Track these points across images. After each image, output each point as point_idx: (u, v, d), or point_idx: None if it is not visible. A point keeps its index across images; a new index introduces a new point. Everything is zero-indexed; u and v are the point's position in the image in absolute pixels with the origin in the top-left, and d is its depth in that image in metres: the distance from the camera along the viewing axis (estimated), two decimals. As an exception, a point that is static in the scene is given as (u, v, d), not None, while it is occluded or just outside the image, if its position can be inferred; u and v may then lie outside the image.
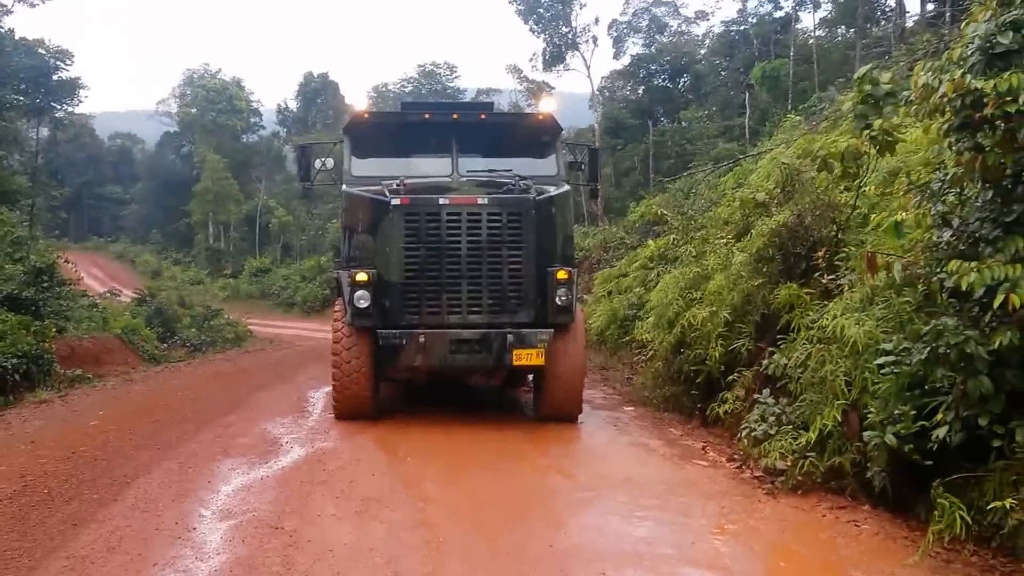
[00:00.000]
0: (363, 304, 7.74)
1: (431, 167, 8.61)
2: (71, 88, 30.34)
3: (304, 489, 5.59)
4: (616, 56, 43.96)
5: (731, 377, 7.78)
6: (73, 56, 28.98)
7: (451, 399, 9.56)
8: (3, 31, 28.04)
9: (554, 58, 40.34)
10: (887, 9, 33.57)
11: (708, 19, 42.62)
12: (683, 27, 43.72)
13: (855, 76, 6.11)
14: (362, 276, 7.78)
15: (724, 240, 9.82)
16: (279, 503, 5.24)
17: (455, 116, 8.88)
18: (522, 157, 8.91)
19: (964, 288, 4.00)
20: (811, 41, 33.94)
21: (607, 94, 44.97)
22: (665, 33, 43.35)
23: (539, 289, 7.92)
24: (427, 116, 9.02)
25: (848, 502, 5.25)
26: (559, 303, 7.86)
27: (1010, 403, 4.24)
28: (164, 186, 59.31)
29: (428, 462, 6.58)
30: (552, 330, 7.84)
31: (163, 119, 64.00)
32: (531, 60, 41.67)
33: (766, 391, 6.61)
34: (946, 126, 4.16)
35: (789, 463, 5.68)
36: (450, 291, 7.82)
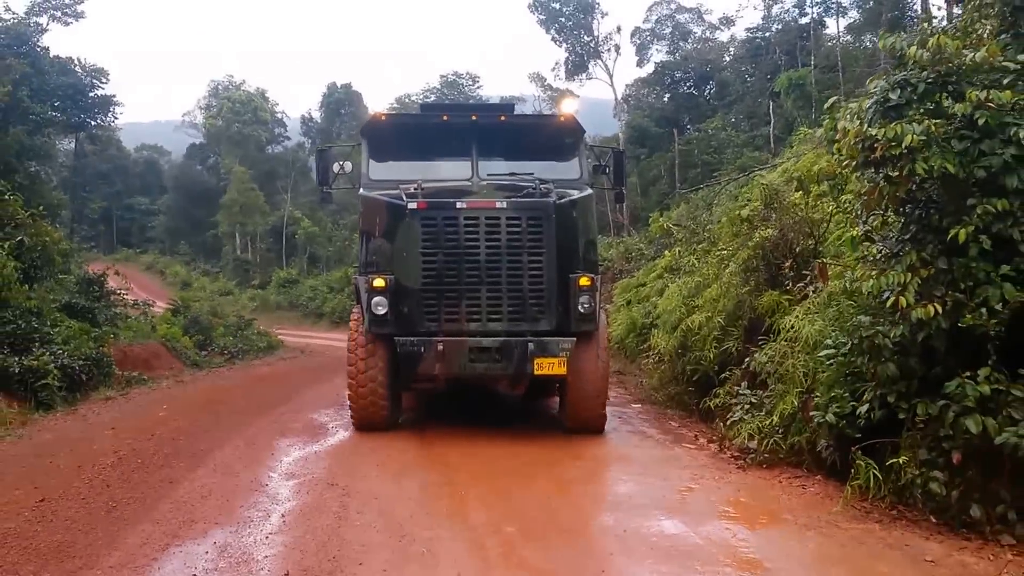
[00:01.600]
0: (381, 311, 7.77)
1: (451, 170, 8.60)
2: (105, 105, 32.38)
3: (351, 459, 7.03)
4: (640, 64, 45.29)
5: (723, 375, 9.03)
6: (108, 74, 31.02)
7: (475, 410, 9.89)
8: (40, 50, 30.25)
9: (576, 67, 41.75)
10: (913, 15, 34.45)
11: (733, 25, 43.63)
12: (707, 33, 44.84)
13: (825, 106, 7.37)
14: (379, 282, 7.81)
15: (724, 251, 11.09)
16: (331, 468, 6.67)
17: (474, 118, 8.87)
18: (544, 160, 8.87)
19: (865, 292, 5.28)
20: (837, 48, 34.85)
21: (632, 102, 46.28)
22: (689, 40, 44.53)
23: (561, 296, 7.89)
24: (446, 118, 9.01)
25: (804, 473, 6.50)
26: (581, 311, 7.86)
27: (920, 384, 5.48)
28: (191, 197, 61.49)
29: (452, 444, 7.92)
30: (574, 339, 7.80)
31: (189, 131, 66.51)
32: (553, 69, 43.11)
33: (744, 384, 7.90)
34: (853, 163, 5.45)
35: (756, 442, 6.96)
36: (469, 298, 7.81)
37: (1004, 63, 5.25)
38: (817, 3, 37.31)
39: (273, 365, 19.31)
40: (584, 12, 40.98)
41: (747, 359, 8.23)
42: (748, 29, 42.37)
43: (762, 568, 4.39)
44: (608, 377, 8.44)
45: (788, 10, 38.50)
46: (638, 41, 44.60)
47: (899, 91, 5.29)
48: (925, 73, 5.29)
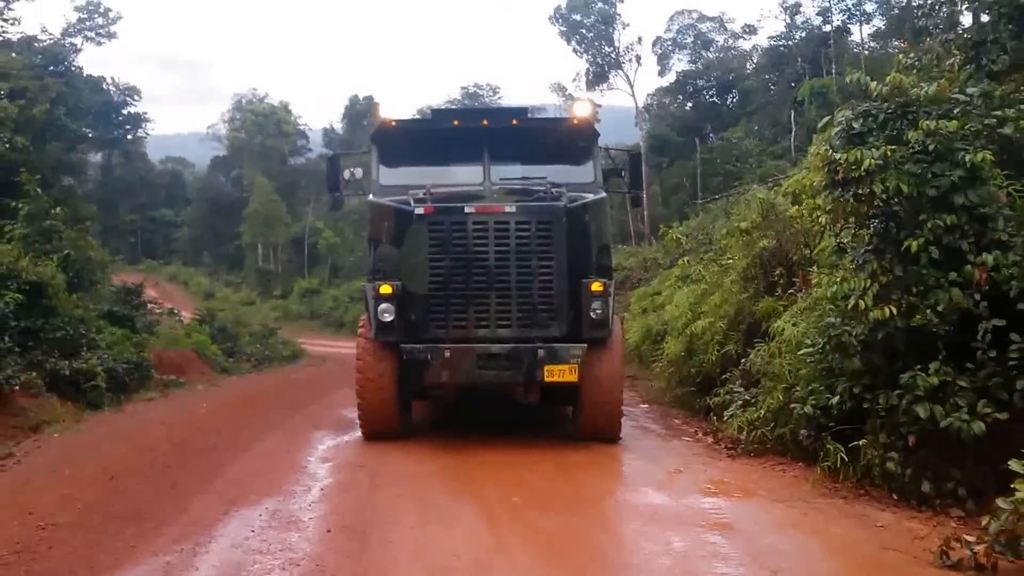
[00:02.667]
0: (387, 318, 7.81)
1: (462, 176, 8.66)
2: (137, 121, 33.91)
3: (377, 447, 7.98)
4: (661, 73, 46.27)
5: (724, 376, 9.86)
6: (140, 92, 32.53)
7: (490, 415, 10.12)
8: (74, 69, 31.84)
9: (597, 77, 42.78)
10: (939, 23, 34.93)
11: (755, 34, 44.42)
12: (730, 42, 45.68)
13: (819, 126, 8.21)
14: (386, 288, 7.83)
15: (730, 260, 11.94)
16: (361, 454, 7.66)
17: (485, 123, 8.93)
18: (557, 164, 8.88)
19: (829, 296, 6.13)
20: (861, 56, 35.48)
21: (654, 111, 47.18)
22: (711, 49, 45.37)
23: (572, 302, 7.89)
24: (457, 123, 9.09)
25: (787, 460, 7.32)
26: (593, 317, 7.84)
27: (882, 377, 6.30)
28: (214, 209, 63.16)
29: (468, 437, 8.80)
30: (585, 345, 7.79)
31: (213, 143, 68.39)
32: (574, 80, 44.16)
33: (739, 383, 8.74)
34: (823, 184, 6.30)
35: (745, 434, 7.80)
36: (477, 304, 7.85)
37: (954, 96, 6.10)
38: (841, 11, 38.04)
39: (299, 371, 20.40)
40: (605, 23, 42.02)
41: (743, 360, 9.06)
42: (771, 37, 43.17)
43: (729, 529, 5.25)
44: (623, 385, 8.39)
45: (811, 18, 39.22)
46: (659, 51, 45.63)
47: (862, 120, 6.16)
48: (886, 105, 6.16)
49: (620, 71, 43.29)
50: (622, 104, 47.74)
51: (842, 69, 34.10)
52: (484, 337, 7.85)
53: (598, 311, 7.88)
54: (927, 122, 5.84)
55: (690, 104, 45.30)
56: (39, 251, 14.75)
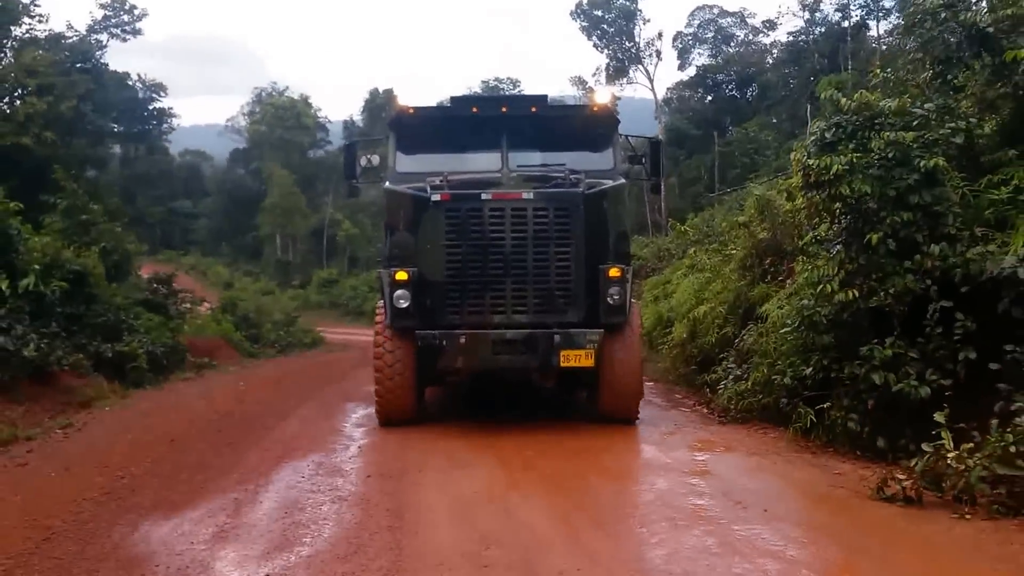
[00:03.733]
0: (403, 304, 7.93)
1: (481, 163, 8.74)
2: (162, 116, 35.28)
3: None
4: (681, 67, 47.07)
5: (722, 355, 10.87)
6: (166, 88, 33.87)
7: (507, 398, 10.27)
8: (101, 66, 33.20)
9: (617, 72, 43.70)
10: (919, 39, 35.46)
11: (775, 28, 45.14)
12: (750, 37, 46.36)
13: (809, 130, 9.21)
14: (402, 275, 7.94)
15: (733, 251, 12.95)
16: (391, 421, 8.73)
17: (504, 109, 9.09)
18: (577, 151, 8.95)
19: (802, 281, 7.15)
20: (878, 52, 36.12)
21: (674, 104, 48.02)
22: (732, 44, 46.09)
23: (589, 288, 8.00)
24: (475, 110, 9.14)
25: (770, 426, 8.32)
26: (610, 302, 7.94)
27: (847, 351, 7.30)
28: (233, 201, 64.58)
29: (484, 414, 9.90)
30: (602, 331, 7.91)
31: (232, 136, 69.86)
32: (595, 74, 45.07)
33: (733, 360, 9.77)
34: (799, 185, 7.32)
35: (734, 403, 8.83)
36: (494, 290, 7.97)
37: (913, 109, 7.09)
38: (860, 6, 38.71)
39: (324, 355, 21.65)
40: (626, 19, 42.92)
41: (737, 340, 10.08)
42: (790, 33, 43.83)
43: (707, 474, 6.32)
44: (641, 369, 8.57)
45: (830, 14, 39.90)
46: (680, 45, 46.41)
47: (833, 131, 7.18)
48: (854, 117, 7.16)
49: (640, 66, 44.25)
50: (642, 97, 48.62)
51: (859, 65, 34.80)
52: (500, 323, 7.98)
53: (615, 296, 7.99)
54: (888, 133, 6.85)
55: (710, 97, 46.07)
56: (78, 243, 15.92)
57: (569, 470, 6.51)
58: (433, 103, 9.04)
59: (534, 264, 8.00)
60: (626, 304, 8.12)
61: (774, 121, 39.37)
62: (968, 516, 5.22)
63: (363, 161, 9.48)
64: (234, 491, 6.09)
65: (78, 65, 31.42)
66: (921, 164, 6.75)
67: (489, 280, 8.00)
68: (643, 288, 21.40)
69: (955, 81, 7.90)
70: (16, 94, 29.39)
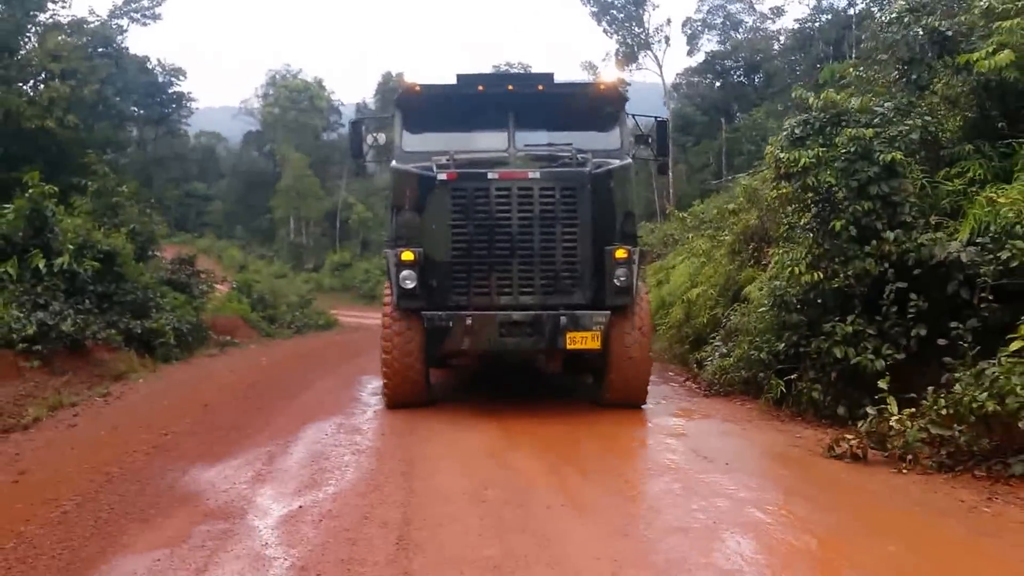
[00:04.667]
0: (409, 284, 7.92)
1: (487, 142, 8.73)
2: (181, 100, 36.16)
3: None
4: (690, 53, 47.51)
5: (712, 335, 11.68)
6: (186, 73, 34.74)
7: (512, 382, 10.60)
8: (123, 50, 34.08)
9: (627, 57, 44.17)
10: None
11: (783, 15, 45.49)
12: (758, 23, 46.73)
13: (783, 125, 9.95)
14: (408, 255, 7.93)
15: (726, 236, 13.71)
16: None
17: (511, 88, 9.13)
18: (584, 130, 8.95)
19: (773, 265, 7.93)
20: (879, 39, 36.47)
21: (683, 90, 48.49)
22: (740, 30, 46.48)
23: (596, 269, 7.99)
24: (481, 88, 8.95)
25: (749, 398, 9.15)
26: (617, 284, 7.92)
27: (814, 328, 8.09)
28: (247, 183, 65.33)
29: (491, 377, 10.74)
30: (609, 312, 7.91)
31: (246, 118, 70.62)
32: (604, 60, 45.60)
33: (719, 338, 10.58)
34: (773, 177, 8.09)
35: (718, 377, 9.65)
36: (500, 271, 7.98)
37: (874, 108, 7.84)
38: (866, -9, 38.94)
39: (339, 335, 22.58)
40: (636, 4, 43.37)
41: (725, 320, 10.88)
42: (797, 19, 44.17)
43: (683, 435, 7.16)
44: (649, 352, 8.54)
45: (836, 1, 40.21)
46: (689, 31, 46.84)
47: (802, 127, 7.94)
48: (822, 115, 7.92)
49: (649, 51, 44.72)
50: (653, 82, 49.11)
51: (864, 53, 35.19)
52: (506, 304, 7.98)
53: (622, 278, 7.96)
54: (850, 129, 7.60)
55: (718, 83, 46.50)
56: (107, 224, 16.78)
57: (561, 433, 7.35)
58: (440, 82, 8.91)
59: (540, 245, 8.00)
60: (633, 286, 8.07)
61: (780, 108, 39.73)
62: (905, 471, 6.03)
63: (369, 139, 9.49)
64: (267, 445, 6.97)
65: (100, 50, 32.26)
66: (880, 158, 7.52)
67: (495, 261, 8.02)
68: (646, 273, 22.25)
69: (919, 81, 8.63)
70: (40, 78, 30.27)
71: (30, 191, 12.99)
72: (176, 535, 4.71)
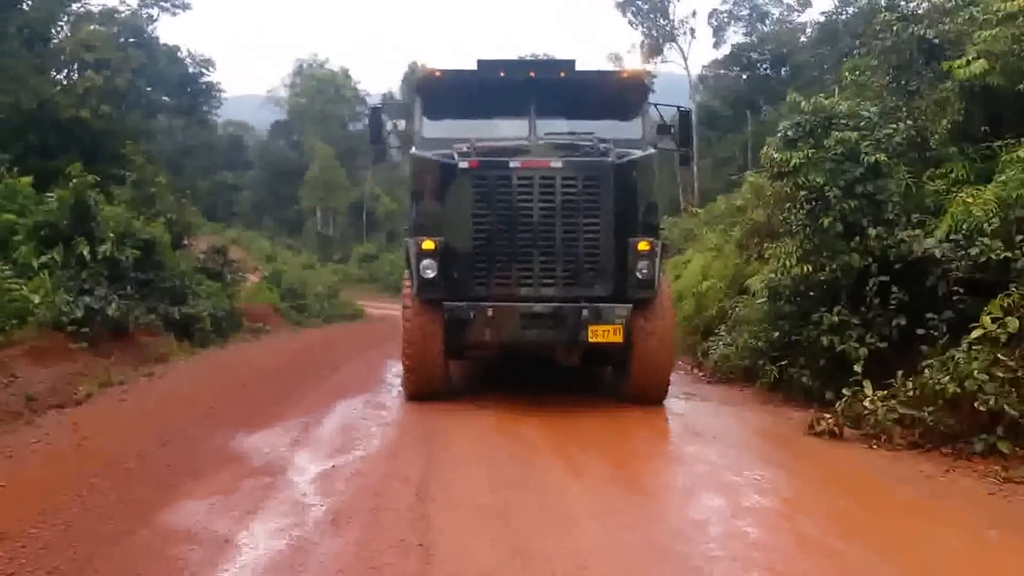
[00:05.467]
0: (430, 274, 7.88)
1: (508, 129, 8.72)
2: (210, 92, 37.26)
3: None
4: (716, 45, 47.85)
5: (720, 326, 12.39)
6: (215, 64, 35.80)
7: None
8: (153, 41, 35.20)
9: (652, 50, 44.70)
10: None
11: (810, 7, 45.67)
12: (785, 15, 46.95)
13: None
14: (428, 244, 7.89)
15: (735, 232, 14.39)
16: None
17: (532, 74, 8.99)
18: (606, 119, 8.96)
19: (767, 258, 8.65)
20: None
21: (708, 82, 48.87)
22: (767, 22, 46.73)
23: (618, 261, 7.94)
24: (503, 74, 8.87)
25: (749, 384, 9.87)
26: (639, 276, 7.86)
27: (806, 318, 8.79)
28: (274, 173, 66.51)
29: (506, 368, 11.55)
30: (631, 306, 7.87)
31: (273, 108, 71.88)
32: (629, 52, 46.16)
33: (724, 329, 11.30)
34: (768, 176, 8.79)
35: (720, 365, 10.38)
36: (521, 262, 7.93)
37: (860, 112, 8.52)
38: (894, -17, 39.07)
39: (366, 325, 23.55)
40: (660, -4, 43.85)
41: (730, 312, 11.60)
42: (823, 12, 44.34)
43: (679, 415, 7.93)
44: (672, 347, 8.50)
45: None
46: (715, 23, 47.18)
47: (794, 129, 8.64)
48: (812, 118, 8.61)
49: (674, 44, 45.21)
50: (680, 74, 49.52)
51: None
52: (527, 296, 7.95)
53: (644, 271, 7.88)
54: (837, 133, 8.29)
55: (745, 76, 46.80)
56: (146, 214, 17.75)
57: (566, 413, 8.09)
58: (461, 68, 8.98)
59: (562, 236, 7.95)
60: (655, 278, 8.01)
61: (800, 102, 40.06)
62: (875, 447, 6.74)
63: (389, 126, 9.48)
64: (302, 417, 7.83)
65: (131, 40, 33.41)
66: (865, 159, 8.20)
67: (517, 251, 7.96)
68: (665, 268, 22.96)
69: (908, 85, 9.28)
70: (73, 68, 31.45)
71: (74, 181, 13.89)
72: (227, 487, 5.56)
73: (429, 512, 4.99)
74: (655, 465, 6.05)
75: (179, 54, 36.74)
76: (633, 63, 46.88)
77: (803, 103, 8.72)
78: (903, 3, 9.45)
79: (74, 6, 32.41)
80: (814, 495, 5.43)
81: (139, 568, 4.17)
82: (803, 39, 45.98)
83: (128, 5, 35.62)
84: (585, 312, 7.78)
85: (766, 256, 11.28)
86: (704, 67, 49.74)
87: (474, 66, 8.85)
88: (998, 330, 6.49)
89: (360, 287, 45.87)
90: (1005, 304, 6.63)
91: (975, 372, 6.32)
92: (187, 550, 4.40)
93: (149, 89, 34.59)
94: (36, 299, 11.40)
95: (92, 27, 32.24)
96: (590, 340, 7.82)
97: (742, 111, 42.33)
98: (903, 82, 9.30)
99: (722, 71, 48.49)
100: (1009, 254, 7.05)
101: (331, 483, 5.65)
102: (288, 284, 29.49)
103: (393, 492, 5.42)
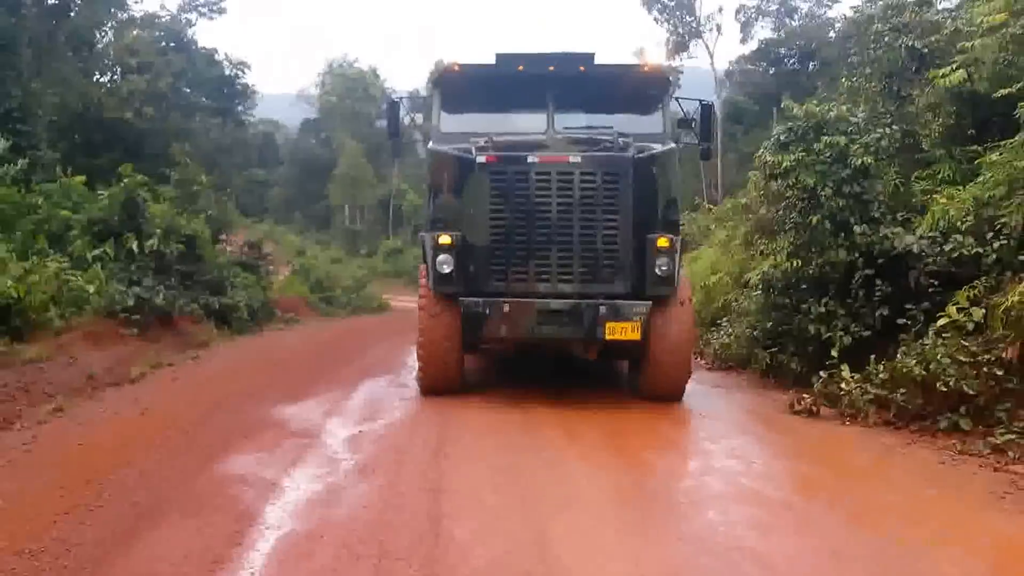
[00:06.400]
0: (446, 269, 7.93)
1: (526, 123, 8.76)
2: (246, 93, 38.61)
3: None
4: (743, 41, 48.25)
5: (724, 317, 13.15)
6: (250, 66, 37.09)
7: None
8: (192, 44, 36.59)
9: (677, 47, 45.24)
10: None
11: (839, 1, 45.91)
12: (814, 10, 47.19)
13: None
14: (445, 239, 7.94)
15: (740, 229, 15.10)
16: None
17: (551, 68, 8.83)
18: (625, 113, 8.95)
19: (759, 252, 9.42)
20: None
21: (735, 77, 49.29)
22: (795, 17, 47.03)
23: (637, 257, 7.92)
24: (521, 68, 8.85)
25: (750, 372, 10.64)
26: (658, 273, 7.85)
27: (796, 308, 9.55)
28: (304, 170, 68.06)
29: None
30: (650, 303, 7.84)
31: (304, 106, 73.38)
32: (654, 48, 46.68)
33: (726, 320, 12.08)
34: (763, 176, 9.55)
35: (719, 353, 11.17)
36: (538, 257, 7.94)
37: (849, 117, 9.26)
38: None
39: (391, 316, 24.62)
40: (686, -8, 44.38)
41: (734, 304, 12.37)
42: (853, 7, 44.49)
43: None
44: (691, 345, 8.49)
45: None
46: (743, 18, 47.56)
47: (787, 133, 9.40)
48: (803, 123, 9.36)
49: (700, 40, 45.73)
50: (706, 68, 49.98)
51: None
52: (545, 292, 7.94)
53: (663, 267, 7.87)
54: (826, 137, 9.04)
55: (772, 71, 47.12)
56: (188, 211, 18.85)
57: (571, 392, 8.92)
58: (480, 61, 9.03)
59: (580, 232, 7.93)
60: (675, 275, 7.99)
61: (833, 98, 40.41)
62: (849, 423, 7.51)
63: (406, 120, 9.47)
64: (333, 392, 8.81)
65: (171, 44, 34.79)
66: (853, 161, 8.94)
67: (534, 247, 7.97)
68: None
69: (900, 92, 10.01)
70: (116, 71, 32.85)
71: (125, 180, 15.02)
72: (271, 445, 6.52)
73: (443, 467, 5.89)
74: (643, 435, 6.86)
75: (216, 57, 38.12)
76: (652, 53, 47.42)
77: (795, 109, 9.46)
78: (893, 14, 10.12)
79: (119, 13, 33.80)
80: (778, 460, 6.26)
81: (204, 501, 5.11)
82: (832, 34, 46.16)
83: (168, 11, 37.17)
84: (603, 309, 7.77)
85: (764, 252, 12.08)
86: (731, 62, 50.18)
87: (493, 61, 8.94)
88: (963, 318, 7.25)
89: (386, 281, 47.00)
90: (971, 295, 7.38)
91: (939, 357, 7.08)
92: (242, 490, 5.34)
93: (188, 91, 35.91)
94: (91, 289, 12.52)
95: (135, 32, 33.65)
96: (607, 337, 7.80)
97: (769, 106, 42.65)
98: (895, 88, 10.02)
99: (749, 66, 48.83)
100: (980, 250, 7.77)
101: (359, 444, 6.58)
102: (317, 277, 30.66)
103: (413, 451, 6.34)
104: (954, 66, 8.81)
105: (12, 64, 21.70)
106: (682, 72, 47.48)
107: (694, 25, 45.45)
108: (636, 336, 7.76)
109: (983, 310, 7.23)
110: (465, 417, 7.67)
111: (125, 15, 34.34)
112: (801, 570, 4.14)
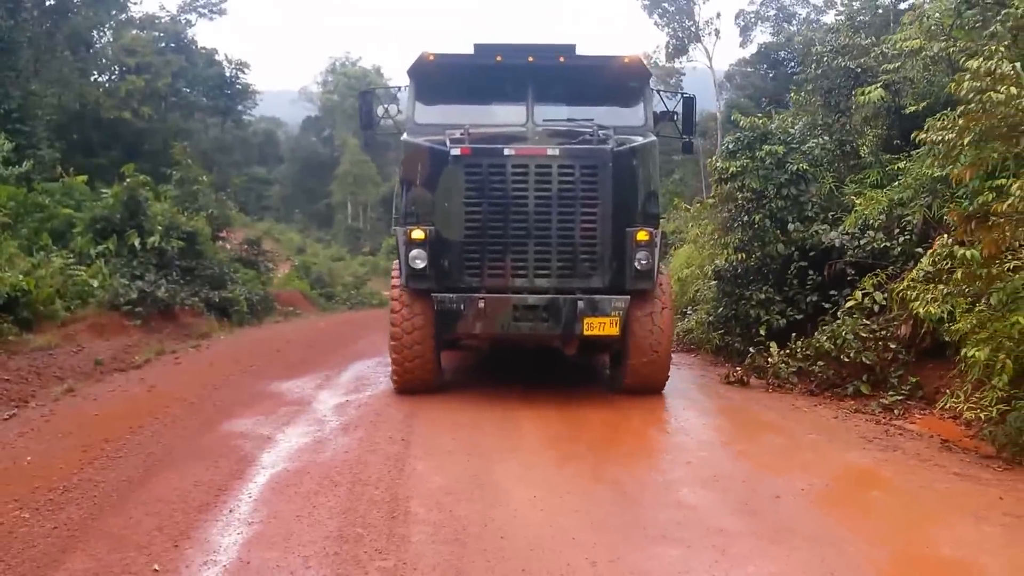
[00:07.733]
0: (419, 264, 7.85)
1: (504, 115, 8.63)
2: (246, 93, 39.97)
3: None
4: (743, 45, 49.28)
5: (694, 306, 14.40)
6: (250, 66, 38.48)
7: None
8: (192, 45, 37.98)
9: (677, 50, 46.34)
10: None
11: (835, 7, 46.97)
12: (812, 15, 48.26)
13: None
14: (418, 234, 7.85)
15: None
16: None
17: (531, 59, 8.70)
18: (606, 105, 8.91)
19: (711, 245, 10.68)
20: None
21: (736, 80, 50.39)
22: (793, 22, 48.12)
23: (616, 251, 7.90)
24: (500, 59, 8.68)
25: (704, 352, 11.89)
26: (638, 267, 7.83)
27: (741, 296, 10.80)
28: (305, 168, 69.17)
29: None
30: (628, 297, 7.84)
31: (305, 104, 74.73)
32: (654, 51, 47.88)
33: (691, 308, 13.35)
34: (714, 180, 10.81)
35: (681, 336, 12.43)
36: (515, 252, 7.88)
37: (789, 130, 10.53)
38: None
39: (386, 311, 25.87)
40: (686, -3, 45.53)
41: (697, 294, 13.65)
42: (839, 14, 45.58)
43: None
44: (671, 339, 8.49)
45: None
46: (742, 23, 48.57)
47: (734, 142, 10.67)
48: (749, 133, 10.62)
49: (700, 44, 46.85)
50: (702, 70, 51.09)
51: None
52: (521, 287, 7.92)
53: (643, 261, 7.84)
54: (767, 146, 10.31)
55: (772, 74, 48.18)
56: (189, 209, 20.07)
57: (539, 371, 10.20)
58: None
59: (558, 225, 7.89)
60: (654, 270, 7.99)
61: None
62: (771, 391, 8.79)
63: (380, 111, 9.43)
64: (325, 371, 10.11)
65: (171, 45, 36.18)
66: (790, 168, 10.21)
67: (511, 241, 7.92)
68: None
69: (839, 106, 11.29)
70: (115, 71, 34.19)
71: (128, 180, 16.18)
72: (267, 411, 7.80)
73: (413, 424, 7.18)
74: (595, 403, 8.10)
75: (216, 57, 39.52)
76: (659, 64, 48.51)
77: (743, 120, 10.75)
78: (832, 38, 11.48)
79: (118, 14, 35.12)
80: (699, 418, 7.55)
81: (209, 451, 6.37)
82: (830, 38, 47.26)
83: (168, 11, 38.56)
84: (581, 304, 7.76)
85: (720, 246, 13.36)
86: (731, 65, 51.20)
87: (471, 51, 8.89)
88: (868, 302, 8.53)
89: (389, 278, 47.96)
90: (875, 282, 8.66)
91: (845, 334, 8.37)
92: (242, 442, 6.62)
93: (188, 90, 37.28)
94: (95, 283, 13.68)
95: (134, 32, 34.99)
96: (585, 332, 7.81)
97: (767, 110, 43.75)
98: (833, 103, 11.30)
99: (749, 69, 49.90)
100: (888, 244, 9.06)
101: (344, 410, 7.87)
102: (317, 273, 31.99)
103: (389, 414, 7.62)
104: (877, 85, 10.13)
105: (12, 64, 22.88)
106: (683, 74, 48.75)
107: (693, 29, 46.54)
108: (615, 331, 7.80)
109: (884, 294, 8.50)
110: (441, 389, 8.86)
111: (124, 16, 35.66)
112: (682, 489, 5.41)
